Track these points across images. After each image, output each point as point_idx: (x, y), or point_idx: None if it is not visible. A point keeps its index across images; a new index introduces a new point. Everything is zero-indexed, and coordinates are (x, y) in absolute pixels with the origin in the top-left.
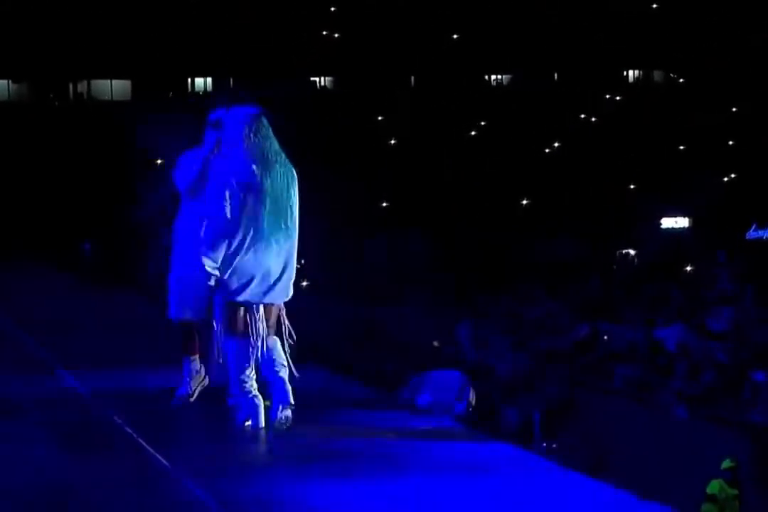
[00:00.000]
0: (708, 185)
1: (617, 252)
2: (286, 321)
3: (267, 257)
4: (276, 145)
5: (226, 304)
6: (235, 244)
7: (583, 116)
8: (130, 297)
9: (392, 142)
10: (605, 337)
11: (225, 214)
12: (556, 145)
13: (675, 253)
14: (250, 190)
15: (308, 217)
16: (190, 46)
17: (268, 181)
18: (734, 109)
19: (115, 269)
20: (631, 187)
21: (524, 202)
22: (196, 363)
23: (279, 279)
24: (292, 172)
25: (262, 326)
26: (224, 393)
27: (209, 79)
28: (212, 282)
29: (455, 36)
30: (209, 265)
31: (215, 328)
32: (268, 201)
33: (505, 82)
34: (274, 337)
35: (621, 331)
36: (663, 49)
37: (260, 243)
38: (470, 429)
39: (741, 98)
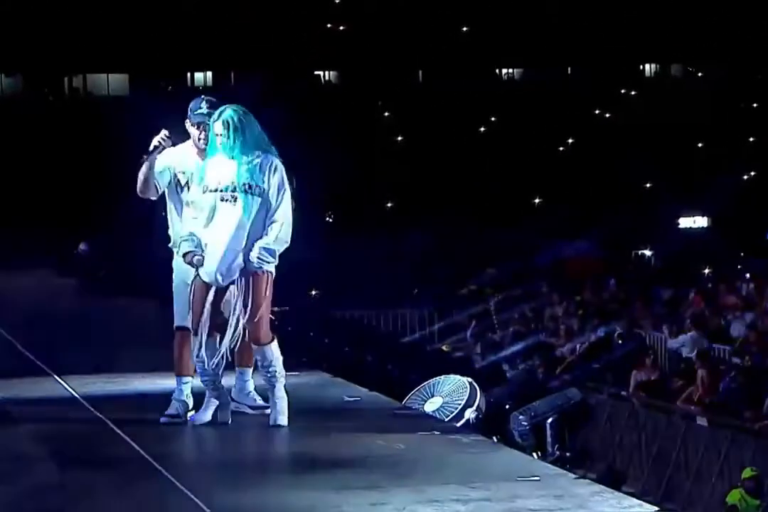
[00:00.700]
0: (727, 183)
1: (633, 252)
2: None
3: None
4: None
5: None
6: None
7: (597, 112)
8: (137, 301)
9: (399, 138)
10: (620, 341)
11: None
12: (569, 141)
13: (693, 253)
14: None
15: (308, 216)
16: (189, 38)
17: None
18: (755, 105)
19: (118, 271)
20: (648, 185)
21: (536, 200)
22: (188, 386)
23: None
24: None
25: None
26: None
27: (209, 73)
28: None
29: (465, 28)
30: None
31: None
32: None
33: (516, 76)
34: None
35: (637, 335)
36: (681, 42)
37: None
38: (480, 437)
39: (762, 94)
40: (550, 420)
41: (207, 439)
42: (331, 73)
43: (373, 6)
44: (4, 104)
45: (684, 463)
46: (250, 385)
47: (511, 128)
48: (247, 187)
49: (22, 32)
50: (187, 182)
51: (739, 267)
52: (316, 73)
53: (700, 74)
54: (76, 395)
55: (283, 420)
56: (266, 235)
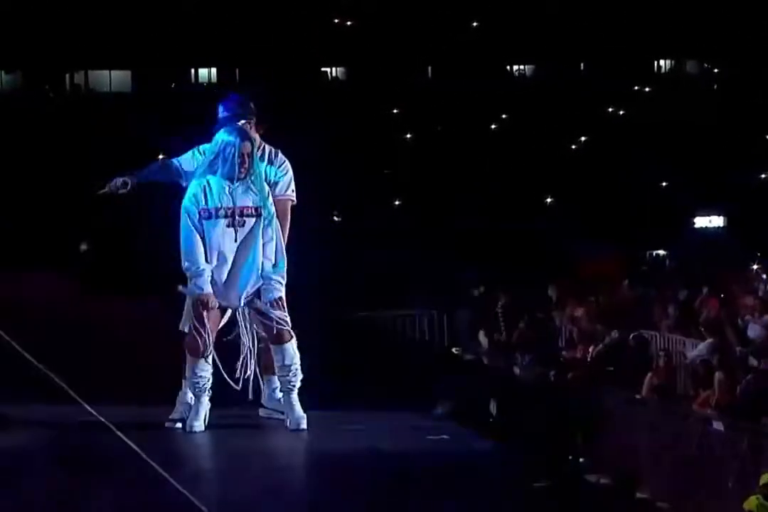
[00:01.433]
0: (744, 182)
1: (647, 252)
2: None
3: None
4: None
5: None
6: None
7: (611, 109)
8: (137, 301)
9: (408, 136)
10: (634, 344)
11: None
12: (582, 139)
13: (709, 253)
14: None
15: (312, 216)
16: (193, 34)
17: None
18: None
19: (121, 272)
20: (663, 184)
21: (548, 199)
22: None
23: None
24: None
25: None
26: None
27: (214, 70)
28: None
29: (475, 23)
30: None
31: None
32: None
33: (528, 72)
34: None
35: (652, 338)
36: (697, 37)
37: None
38: (491, 440)
39: None
40: None
41: (217, 444)
42: (338, 69)
43: (381, 1)
44: (4, 100)
45: (700, 468)
46: (279, 392)
47: (523, 126)
48: (253, 210)
49: (23, 28)
50: None
51: (756, 267)
52: (322, 69)
53: (716, 70)
54: (78, 398)
55: (304, 423)
56: (275, 266)
